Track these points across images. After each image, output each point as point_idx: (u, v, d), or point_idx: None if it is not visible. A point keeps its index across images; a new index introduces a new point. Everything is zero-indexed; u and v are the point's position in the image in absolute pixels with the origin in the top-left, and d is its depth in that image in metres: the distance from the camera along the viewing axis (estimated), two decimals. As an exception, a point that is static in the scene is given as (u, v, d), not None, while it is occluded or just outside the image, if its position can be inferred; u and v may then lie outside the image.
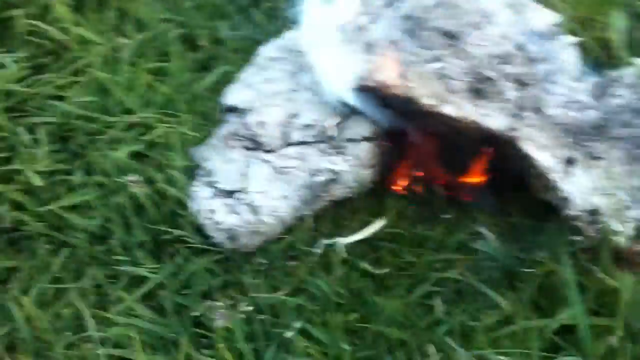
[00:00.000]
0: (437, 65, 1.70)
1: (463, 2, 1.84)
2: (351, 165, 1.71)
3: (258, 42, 2.04)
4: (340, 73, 1.73)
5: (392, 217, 1.76)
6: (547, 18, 1.85)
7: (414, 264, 1.69)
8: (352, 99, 1.71)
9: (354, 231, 1.72)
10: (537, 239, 1.69)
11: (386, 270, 1.67)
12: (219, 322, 1.49)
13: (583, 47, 1.92)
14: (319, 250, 1.67)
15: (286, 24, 2.12)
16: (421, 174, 1.82)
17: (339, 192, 1.72)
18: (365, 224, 1.74)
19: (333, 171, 1.70)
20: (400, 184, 1.81)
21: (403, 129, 1.74)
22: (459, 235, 1.73)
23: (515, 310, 1.56)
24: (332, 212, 1.76)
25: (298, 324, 1.54)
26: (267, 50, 1.95)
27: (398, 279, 1.66)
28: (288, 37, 1.97)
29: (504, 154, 1.68)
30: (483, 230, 1.72)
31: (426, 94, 1.65)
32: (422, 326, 1.56)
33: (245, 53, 2.09)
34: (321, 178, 1.69)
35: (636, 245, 1.45)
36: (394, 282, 1.66)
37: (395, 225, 1.75)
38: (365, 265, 1.67)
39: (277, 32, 2.07)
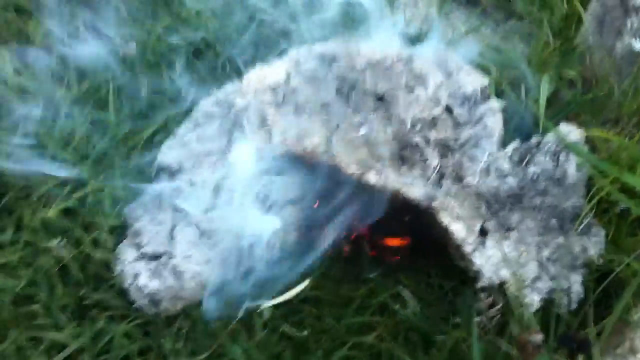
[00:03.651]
0: (365, 130, 1.72)
1: (396, 64, 1.86)
2: (277, 228, 1.73)
3: (199, 93, 2.06)
4: (270, 135, 1.74)
5: (316, 277, 1.77)
6: (476, 81, 1.87)
7: (334, 327, 1.70)
8: (279, 162, 1.72)
9: (278, 293, 1.73)
10: (454, 304, 1.72)
11: (306, 333, 1.68)
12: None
13: (511, 111, 1.94)
14: (241, 314, 1.68)
15: (227, 76, 2.14)
16: (347, 234, 1.84)
17: (264, 254, 1.74)
18: (290, 285, 1.74)
19: (258, 234, 1.71)
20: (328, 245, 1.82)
21: (330, 191, 1.76)
22: (381, 296, 1.75)
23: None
24: (258, 274, 1.76)
25: (214, 391, 1.56)
26: (206, 104, 1.95)
27: (317, 343, 1.68)
28: (227, 91, 1.97)
29: (426, 220, 1.70)
30: (404, 292, 1.73)
31: (351, 162, 1.67)
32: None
33: (186, 103, 2.10)
34: (247, 241, 1.70)
35: (527, 334, 1.47)
36: (313, 346, 1.67)
37: (320, 286, 1.76)
38: (286, 328, 1.68)
39: (218, 84, 2.08)
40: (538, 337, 1.48)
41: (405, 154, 1.72)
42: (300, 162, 1.73)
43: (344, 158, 1.68)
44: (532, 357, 1.45)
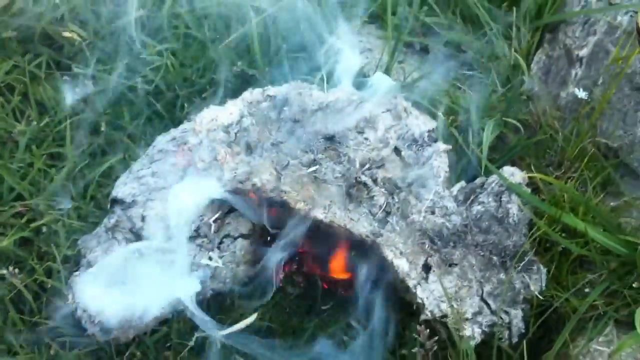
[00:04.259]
0: (314, 168, 1.77)
1: (346, 107, 1.92)
2: (227, 261, 1.77)
3: (156, 131, 2.10)
4: (221, 171, 1.79)
5: (269, 309, 1.80)
6: (425, 124, 1.94)
7: (286, 356, 1.73)
8: (230, 198, 1.76)
9: (230, 323, 1.76)
10: (402, 336, 1.76)
11: (258, 362, 1.72)
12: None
13: (458, 154, 2.02)
14: (192, 343, 1.71)
15: (185, 115, 2.19)
16: (299, 268, 1.88)
17: (214, 286, 1.77)
18: (242, 316, 1.77)
19: (209, 267, 1.75)
20: (278, 277, 1.86)
21: (280, 226, 1.81)
22: (332, 328, 1.78)
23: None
24: (210, 304, 1.80)
25: (162, 418, 1.59)
26: (161, 142, 1.99)
27: (268, 372, 1.71)
28: (182, 129, 2.02)
29: (373, 255, 1.75)
30: (354, 324, 1.77)
31: (299, 198, 1.71)
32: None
33: (143, 140, 2.15)
34: (197, 273, 1.73)
35: None
36: (263, 375, 1.71)
37: (272, 317, 1.80)
38: (237, 357, 1.71)
39: (176, 122, 2.13)
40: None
41: (352, 192, 1.77)
42: (250, 198, 1.77)
43: (293, 195, 1.73)
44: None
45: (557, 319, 1.74)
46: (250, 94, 1.98)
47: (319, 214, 1.70)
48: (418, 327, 1.60)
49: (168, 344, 1.72)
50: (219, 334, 1.71)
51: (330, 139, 1.87)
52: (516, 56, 2.34)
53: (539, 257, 1.79)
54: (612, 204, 1.92)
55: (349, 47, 2.21)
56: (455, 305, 1.62)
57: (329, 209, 1.71)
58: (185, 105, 2.25)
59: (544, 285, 1.74)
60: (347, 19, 2.34)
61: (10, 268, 1.73)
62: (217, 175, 1.77)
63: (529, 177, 1.87)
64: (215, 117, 1.90)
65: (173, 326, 1.73)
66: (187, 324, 1.75)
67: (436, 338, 1.59)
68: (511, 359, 1.65)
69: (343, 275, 1.86)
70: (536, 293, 1.71)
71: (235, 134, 1.87)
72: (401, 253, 1.68)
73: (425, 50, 2.51)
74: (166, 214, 1.77)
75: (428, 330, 1.59)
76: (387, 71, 2.33)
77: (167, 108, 2.23)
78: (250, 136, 1.86)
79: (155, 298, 1.68)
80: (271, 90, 1.99)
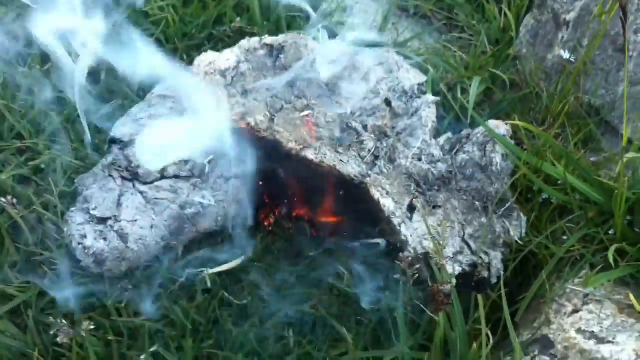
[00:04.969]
0: (307, 112, 1.78)
1: (341, 58, 1.92)
2: (219, 200, 1.77)
3: (155, 81, 2.09)
4: (217, 114, 1.79)
5: (259, 251, 1.80)
6: (415, 78, 1.94)
7: (272, 296, 1.73)
8: (225, 139, 1.76)
9: (220, 263, 1.76)
10: (386, 278, 1.76)
11: (245, 301, 1.72)
12: (61, 339, 1.52)
13: (445, 107, 2.02)
14: (183, 279, 1.71)
15: (182, 64, 2.18)
16: (289, 212, 1.88)
17: (206, 225, 1.77)
18: (232, 256, 1.78)
19: (202, 205, 1.74)
20: (268, 221, 1.86)
21: (272, 169, 1.81)
22: (319, 271, 1.78)
23: (357, 344, 1.63)
24: (201, 243, 1.80)
25: (153, 348, 1.59)
26: (160, 88, 1.99)
27: (256, 310, 1.71)
28: (180, 77, 2.01)
29: (360, 197, 1.75)
30: (340, 268, 1.77)
31: (291, 139, 1.72)
32: (272, 354, 1.63)
33: (142, 89, 2.14)
34: (190, 211, 1.73)
35: (439, 285, 1.52)
36: (252, 312, 1.71)
37: (261, 259, 1.80)
38: (226, 295, 1.71)
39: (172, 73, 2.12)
40: (447, 287, 1.52)
41: (343, 136, 1.77)
42: (244, 138, 1.77)
43: (285, 135, 1.73)
44: (442, 305, 1.51)
45: (536, 265, 1.74)
46: (248, 42, 1.98)
47: (310, 154, 1.71)
48: (400, 254, 1.59)
49: (159, 281, 1.71)
50: (209, 271, 1.72)
51: (323, 87, 1.87)
52: (506, 18, 2.33)
53: (520, 207, 1.79)
54: (592, 159, 1.92)
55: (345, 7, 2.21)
56: (437, 239, 1.62)
57: (320, 150, 1.71)
58: (184, 57, 2.23)
59: (523, 231, 1.75)
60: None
61: (9, 197, 1.72)
62: (213, 115, 1.76)
63: (513, 129, 1.87)
64: (213, 61, 1.90)
65: (164, 263, 1.72)
66: (180, 260, 1.74)
67: (417, 266, 1.58)
68: (490, 297, 1.65)
69: (331, 219, 1.86)
70: (516, 238, 1.72)
71: (232, 78, 1.87)
72: (387, 193, 1.68)
73: (418, 14, 2.51)
74: (162, 152, 1.76)
75: (410, 258, 1.58)
76: (380, 32, 2.33)
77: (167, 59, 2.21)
78: (246, 81, 1.86)
79: (149, 231, 1.68)
80: (268, 39, 2.00)
